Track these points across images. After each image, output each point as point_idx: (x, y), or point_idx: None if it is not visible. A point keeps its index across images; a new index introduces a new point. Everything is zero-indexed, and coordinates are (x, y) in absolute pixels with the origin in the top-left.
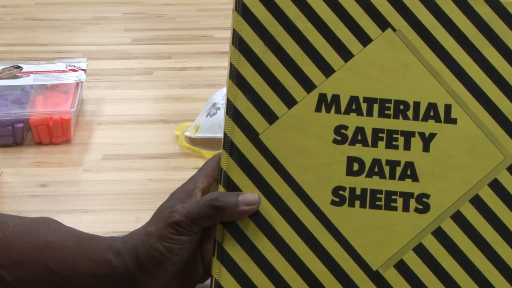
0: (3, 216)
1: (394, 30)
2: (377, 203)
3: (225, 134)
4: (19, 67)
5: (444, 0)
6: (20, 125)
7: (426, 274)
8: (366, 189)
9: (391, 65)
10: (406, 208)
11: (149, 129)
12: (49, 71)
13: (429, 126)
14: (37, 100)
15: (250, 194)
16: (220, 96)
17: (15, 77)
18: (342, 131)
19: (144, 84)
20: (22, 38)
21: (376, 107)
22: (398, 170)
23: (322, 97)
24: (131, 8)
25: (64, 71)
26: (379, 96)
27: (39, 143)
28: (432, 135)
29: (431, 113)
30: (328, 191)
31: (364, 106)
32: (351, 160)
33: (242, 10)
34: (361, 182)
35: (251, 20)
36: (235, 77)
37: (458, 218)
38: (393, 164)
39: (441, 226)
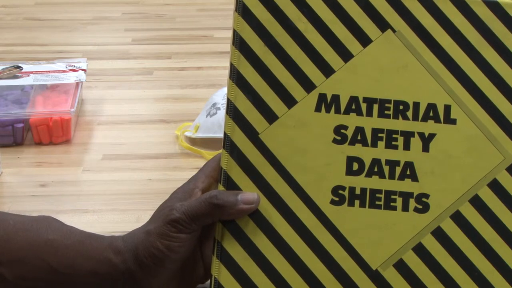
0: (3, 214)
1: (393, 31)
2: (377, 202)
3: (225, 133)
4: (19, 67)
5: (443, 1)
6: (20, 125)
7: (425, 274)
8: (366, 189)
9: (390, 66)
10: (405, 208)
11: (149, 129)
12: (49, 71)
13: (428, 127)
14: (37, 100)
15: (249, 193)
16: (220, 96)
17: (15, 77)
18: (342, 131)
19: (144, 84)
20: (22, 38)
21: (375, 107)
22: (398, 170)
23: (322, 97)
24: (131, 8)
25: (64, 71)
26: (378, 97)
27: (39, 143)
28: (432, 135)
29: (431, 114)
30: (327, 191)
31: (363, 106)
32: (350, 159)
33: (243, 11)
34: (361, 182)
35: (252, 20)
36: (236, 77)
37: (458, 218)
38: (392, 164)
39: (440, 226)
